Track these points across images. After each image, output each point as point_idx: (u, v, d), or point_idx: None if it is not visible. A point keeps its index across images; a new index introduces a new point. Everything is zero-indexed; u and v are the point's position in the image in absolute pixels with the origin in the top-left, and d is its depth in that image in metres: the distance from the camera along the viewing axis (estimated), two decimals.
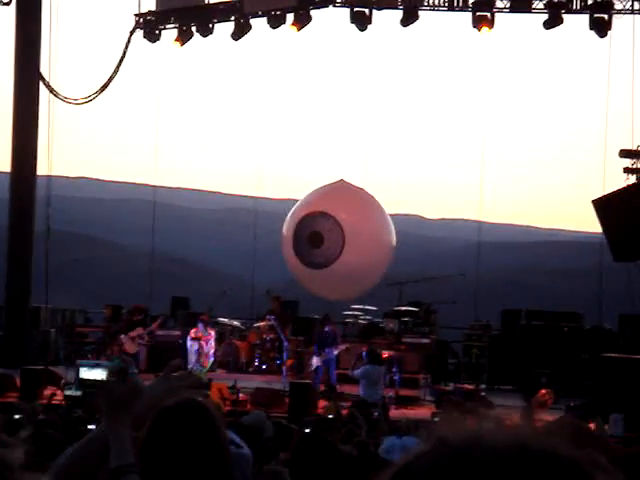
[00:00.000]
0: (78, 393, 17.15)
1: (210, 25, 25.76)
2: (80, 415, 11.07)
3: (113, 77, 25.70)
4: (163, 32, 26.09)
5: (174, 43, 26.14)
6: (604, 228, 22.01)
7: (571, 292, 65.59)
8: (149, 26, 25.94)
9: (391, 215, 25.30)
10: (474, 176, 29.44)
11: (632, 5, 23.78)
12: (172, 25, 26.02)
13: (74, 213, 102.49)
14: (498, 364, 23.13)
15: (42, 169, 24.85)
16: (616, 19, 23.72)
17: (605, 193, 22.58)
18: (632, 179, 22.11)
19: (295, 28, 25.25)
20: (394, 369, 20.42)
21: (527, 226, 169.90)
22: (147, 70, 29.65)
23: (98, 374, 17.38)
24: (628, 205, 21.46)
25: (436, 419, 16.07)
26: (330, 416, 13.43)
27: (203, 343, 21.50)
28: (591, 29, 23.70)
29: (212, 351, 21.76)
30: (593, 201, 22.26)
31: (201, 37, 25.89)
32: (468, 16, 24.27)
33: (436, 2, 24.51)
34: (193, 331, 21.69)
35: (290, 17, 25.12)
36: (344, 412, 14.63)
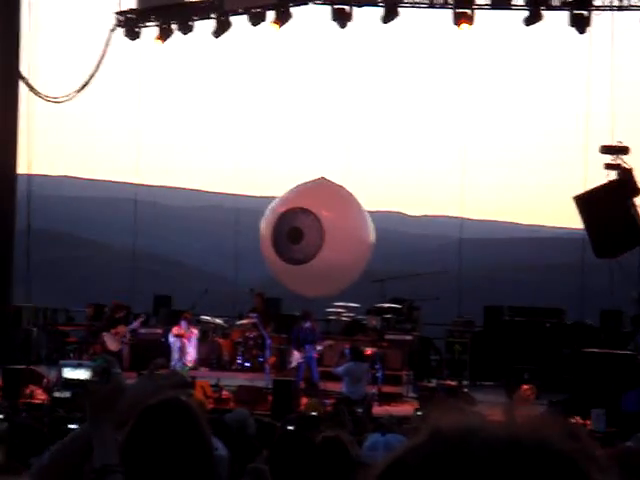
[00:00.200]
0: (67, 394, 17.01)
1: (190, 23, 25.74)
2: (62, 415, 11.04)
3: (94, 75, 25.66)
4: (144, 30, 26.06)
5: (155, 41, 26.10)
6: (585, 225, 22.10)
7: (553, 288, 65.77)
8: (130, 24, 25.90)
9: (373, 212, 25.37)
10: (455, 173, 29.51)
11: (611, 1, 23.87)
12: (153, 23, 25.99)
13: (55, 212, 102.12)
14: (480, 360, 23.18)
15: (22, 168, 24.79)
16: (595, 15, 23.82)
17: (586, 189, 22.68)
18: (613, 175, 22.17)
19: (276, 25, 25.25)
20: (377, 366, 20.42)
21: (509, 223, 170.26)
22: (128, 68, 29.63)
23: (82, 374, 17.29)
24: (609, 201, 21.55)
25: (419, 414, 16.10)
26: (313, 413, 13.44)
27: (185, 341, 21.47)
28: (571, 26, 23.79)
29: (194, 349, 21.73)
30: (574, 197, 22.35)
31: (182, 35, 25.87)
32: (448, 13, 24.33)
33: None
34: (175, 328, 21.66)
35: (270, 14, 25.12)
36: (327, 409, 14.65)
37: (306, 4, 25.37)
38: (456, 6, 24.17)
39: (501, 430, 1.28)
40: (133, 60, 27.75)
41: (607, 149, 22.46)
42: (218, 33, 25.61)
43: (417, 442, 1.29)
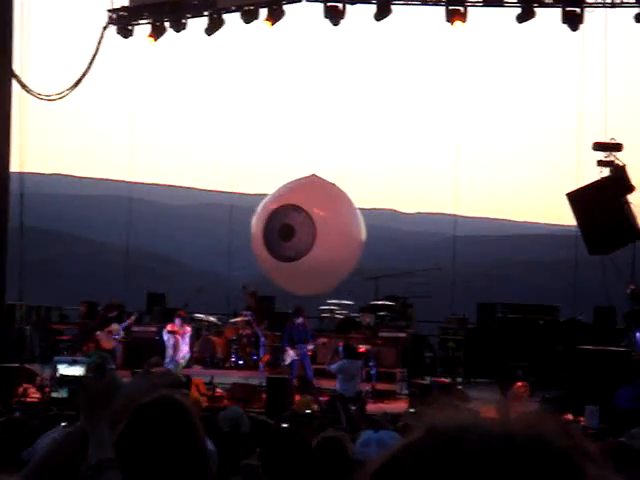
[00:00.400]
0: (64, 394, 16.94)
1: (183, 20, 25.71)
2: (56, 413, 11.02)
3: (86, 73, 25.59)
4: (136, 28, 26.02)
5: (147, 39, 26.06)
6: (579, 222, 22.12)
7: (546, 285, 65.88)
8: (122, 22, 25.86)
9: (367, 210, 25.38)
10: (449, 171, 29.52)
11: None
12: (145, 21, 25.95)
13: (48, 210, 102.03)
14: (474, 357, 23.20)
15: (15, 166, 24.72)
16: (588, 13, 23.82)
17: (579, 186, 22.69)
18: (606, 172, 22.18)
19: (268, 23, 25.23)
20: (371, 363, 20.44)
21: (502, 219, 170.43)
22: (121, 66, 29.57)
23: (77, 370, 17.24)
24: (602, 198, 21.56)
25: (411, 411, 16.10)
26: (307, 411, 13.45)
27: (179, 338, 21.46)
28: (563, 23, 23.80)
29: (188, 347, 21.72)
30: (567, 194, 22.36)
31: (174, 32, 25.84)
32: (441, 10, 24.32)
33: None
34: (169, 325, 21.65)
35: (263, 12, 25.10)
36: (318, 406, 14.63)
37: (299, 1, 25.35)
38: (449, 3, 24.18)
39: (496, 427, 1.28)
40: (126, 58, 27.73)
41: (600, 146, 22.47)
42: (211, 31, 25.58)
43: (412, 439, 1.29)
